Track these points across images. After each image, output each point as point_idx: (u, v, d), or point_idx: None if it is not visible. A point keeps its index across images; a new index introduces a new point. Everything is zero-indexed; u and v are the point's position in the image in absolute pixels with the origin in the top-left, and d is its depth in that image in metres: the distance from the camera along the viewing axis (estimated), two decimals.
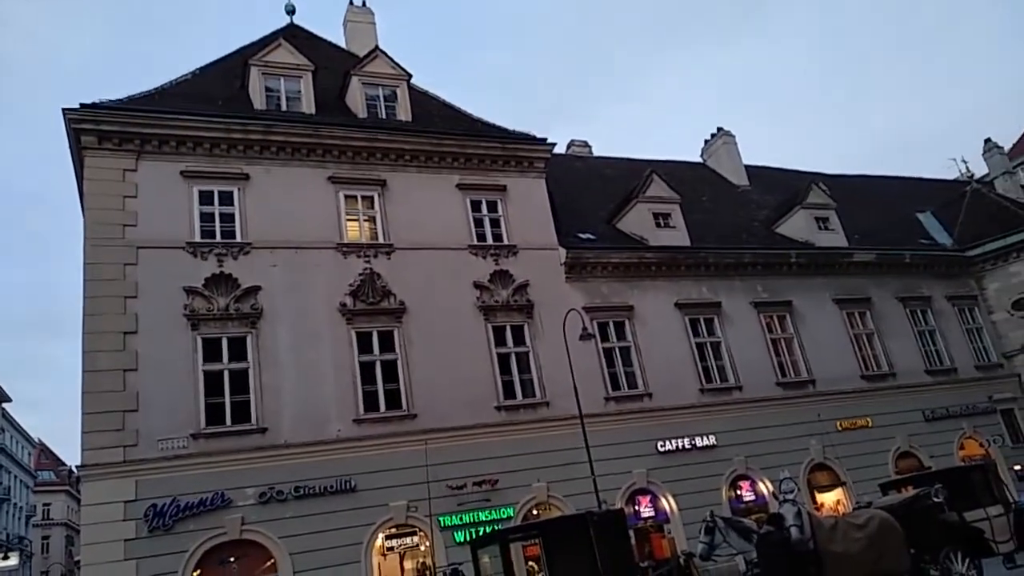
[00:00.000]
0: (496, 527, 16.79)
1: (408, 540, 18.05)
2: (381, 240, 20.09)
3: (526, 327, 20.90)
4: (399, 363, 19.05)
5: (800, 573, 9.00)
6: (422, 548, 17.91)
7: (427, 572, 17.64)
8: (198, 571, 15.92)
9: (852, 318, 26.13)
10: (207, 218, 18.54)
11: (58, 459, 75.66)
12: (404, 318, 19.48)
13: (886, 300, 27.09)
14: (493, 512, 18.18)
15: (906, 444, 24.59)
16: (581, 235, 23.51)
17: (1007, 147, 41.93)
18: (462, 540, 17.32)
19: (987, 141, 37.42)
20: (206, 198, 18.68)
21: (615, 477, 19.62)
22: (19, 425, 66.55)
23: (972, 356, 27.93)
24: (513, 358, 20.53)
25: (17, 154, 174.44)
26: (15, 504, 62.30)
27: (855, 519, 10.32)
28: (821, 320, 25.45)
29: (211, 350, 17.47)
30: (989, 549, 12.33)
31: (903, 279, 27.88)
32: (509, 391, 20.08)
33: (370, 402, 18.46)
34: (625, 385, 21.69)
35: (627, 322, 22.46)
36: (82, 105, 17.97)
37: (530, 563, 8.76)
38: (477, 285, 20.68)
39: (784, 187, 30.16)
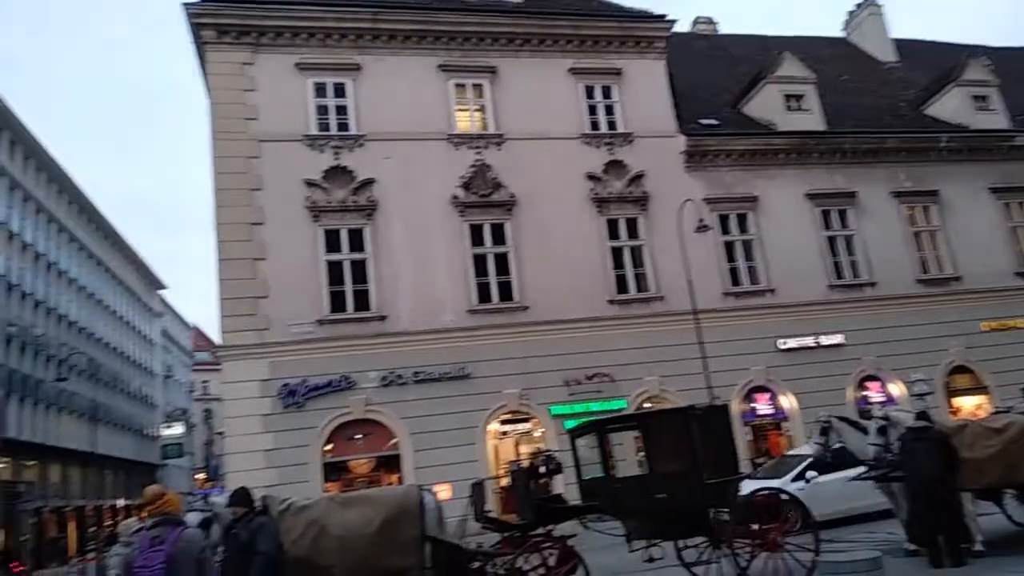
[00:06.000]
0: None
1: (521, 426, 18.62)
2: (491, 130, 19.74)
3: (641, 220, 20.23)
4: (510, 255, 19.06)
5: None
6: (536, 434, 18.43)
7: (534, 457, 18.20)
8: (330, 444, 17.17)
9: (1010, 209, 23.53)
10: (322, 111, 18.79)
11: (211, 341, 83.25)
12: (515, 210, 19.31)
13: None
14: (604, 403, 18.31)
15: None
16: (703, 121, 22.11)
17: None
18: (569, 429, 17.61)
19: None
20: (320, 90, 18.87)
21: (732, 373, 19.15)
22: (176, 311, 73.44)
23: None
24: (627, 252, 20.04)
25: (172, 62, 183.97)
26: (178, 381, 69.69)
27: (991, 423, 9.51)
28: (972, 211, 23.07)
29: (332, 241, 18.10)
30: None
31: None
32: (622, 285, 19.73)
33: (483, 293, 18.71)
34: (746, 280, 20.80)
35: (750, 214, 21.27)
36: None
37: (640, 453, 8.70)
38: (590, 176, 20.07)
39: (937, 63, 26.88)
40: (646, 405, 18.60)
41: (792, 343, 20.29)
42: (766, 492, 8.94)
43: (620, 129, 20.67)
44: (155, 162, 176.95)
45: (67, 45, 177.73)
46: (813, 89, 22.91)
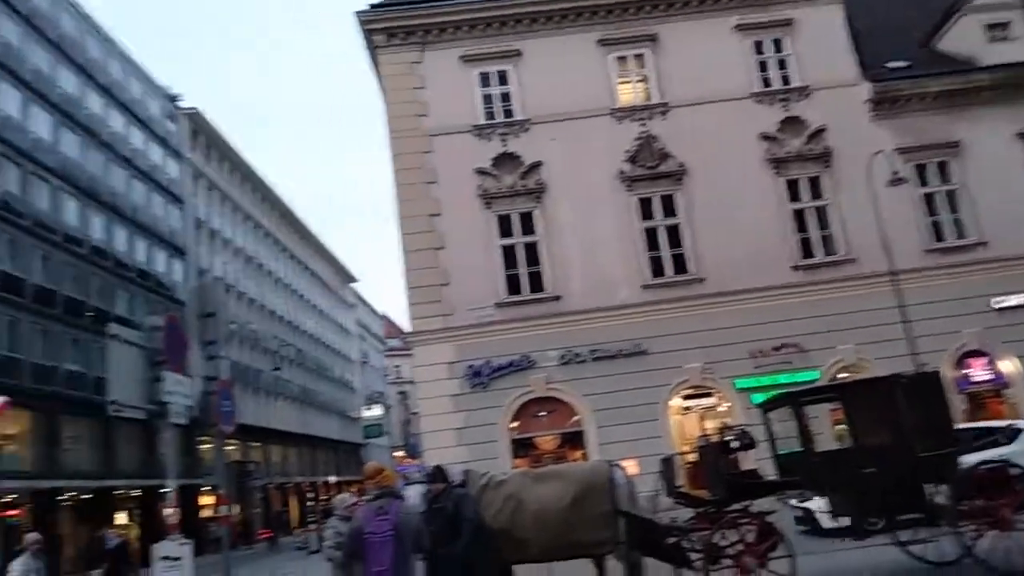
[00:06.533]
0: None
1: (705, 401, 18.20)
2: (655, 100, 19.28)
3: (824, 178, 18.92)
4: (682, 227, 18.58)
5: None
6: (720, 409, 17.94)
7: (724, 432, 17.70)
8: (516, 422, 17.78)
9: None
10: (488, 100, 19.29)
11: (400, 328, 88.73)
12: (685, 180, 18.77)
13: None
14: (794, 375, 17.42)
15: None
16: (890, 64, 20.16)
17: None
18: (760, 402, 16.96)
19: None
20: (485, 80, 19.36)
21: (939, 338, 17.44)
22: (367, 301, 78.99)
23: None
24: (810, 213, 18.84)
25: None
26: (373, 366, 75.07)
27: None
28: None
29: (504, 225, 18.61)
30: None
31: None
32: (807, 249, 18.61)
33: (656, 268, 18.42)
34: (951, 234, 18.85)
35: (952, 161, 19.20)
36: (371, 6, 19.44)
37: (838, 427, 8.23)
38: (764, 136, 19.04)
39: None
40: (841, 375, 17.46)
41: (1012, 300, 18.13)
42: (992, 464, 8.07)
43: (795, 83, 19.39)
44: (330, 162, 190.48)
45: (251, 57, 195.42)
46: (1021, 15, 20.12)
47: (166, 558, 6.75)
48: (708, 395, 18.18)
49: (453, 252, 18.32)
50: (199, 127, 42.48)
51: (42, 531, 12.58)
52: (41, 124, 29.60)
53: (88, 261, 31.11)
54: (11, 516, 25.40)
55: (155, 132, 38.48)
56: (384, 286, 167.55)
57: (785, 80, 19.49)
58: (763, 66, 19.60)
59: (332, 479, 56.18)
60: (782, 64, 19.62)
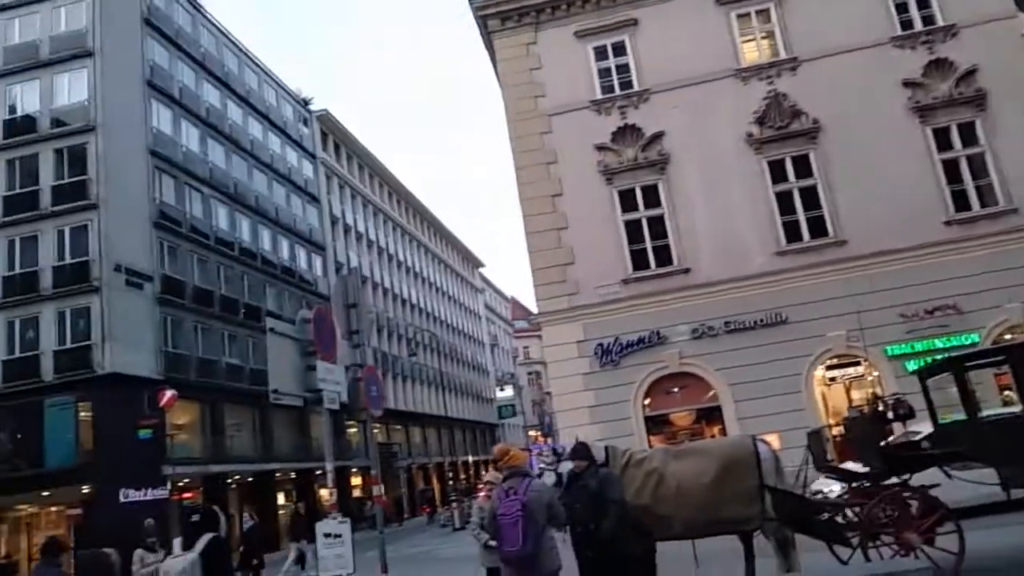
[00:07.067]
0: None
1: (851, 370, 17.24)
2: (782, 56, 18.28)
3: (978, 123, 17.28)
4: (819, 188, 17.58)
5: None
6: (868, 378, 16.94)
7: (877, 402, 16.70)
8: (648, 399, 17.59)
9: None
10: (604, 73, 19.00)
11: (527, 310, 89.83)
12: (819, 138, 17.71)
13: None
14: (952, 339, 16.14)
15: None
16: None
17: None
18: (913, 369, 15.85)
19: None
20: (600, 53, 19.07)
21: None
22: (494, 285, 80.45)
23: None
24: (963, 163, 17.30)
25: None
26: (503, 348, 76.49)
27: None
28: None
29: (627, 200, 18.33)
30: None
31: None
32: (961, 202, 17.11)
33: (792, 233, 17.55)
34: None
35: None
36: None
37: (1005, 392, 7.54)
38: (907, 83, 17.61)
39: None
40: (1006, 337, 16.00)
41: None
42: None
43: (939, 23, 17.79)
44: (448, 149, 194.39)
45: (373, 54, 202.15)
46: None
47: (327, 535, 7.20)
48: (855, 364, 17.19)
49: (576, 231, 18.26)
50: (328, 127, 44.62)
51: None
52: (191, 137, 32.10)
53: (238, 262, 33.53)
54: (187, 499, 28.03)
55: (290, 136, 40.78)
56: (509, 269, 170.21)
57: (927, 20, 17.91)
58: (902, 7, 18.08)
59: (470, 459, 57.96)
60: (923, 2, 18.04)
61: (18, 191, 27.02)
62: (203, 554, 4.90)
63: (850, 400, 17.12)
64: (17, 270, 26.39)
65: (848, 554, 7.23)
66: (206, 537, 5.03)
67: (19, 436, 25.34)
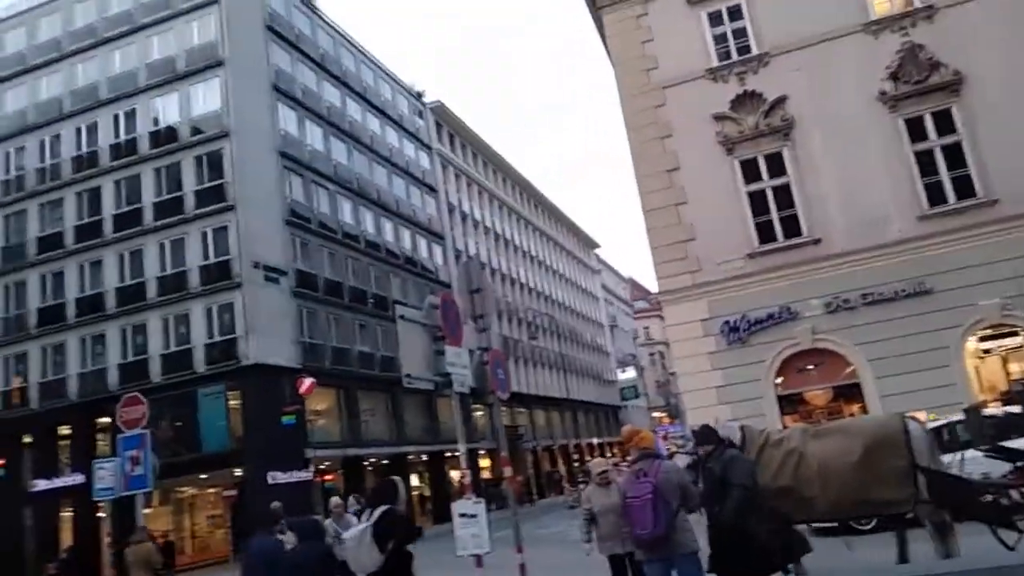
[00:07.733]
0: None
1: (1008, 341, 15.83)
2: (917, 4, 16.88)
3: None
4: (964, 144, 16.17)
5: None
6: None
7: None
8: (780, 378, 16.89)
9: None
10: (720, 40, 18.25)
11: (645, 289, 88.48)
12: (962, 90, 16.25)
13: None
14: None
15: None
16: None
17: None
18: None
19: None
20: (715, 19, 18.33)
21: None
22: (611, 265, 79.70)
23: None
24: None
25: None
26: (622, 329, 75.76)
27: None
28: None
29: (749, 171, 17.57)
30: None
31: None
32: None
33: (935, 195, 16.26)
34: None
35: None
36: None
37: None
38: None
39: None
40: None
41: None
42: None
43: None
44: (559, 129, 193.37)
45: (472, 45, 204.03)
46: None
47: (463, 515, 7.39)
48: (1012, 334, 15.76)
49: (696, 205, 17.70)
50: (442, 118, 45.57)
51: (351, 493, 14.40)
52: (315, 137, 33.67)
53: (364, 254, 34.98)
54: (327, 480, 29.66)
55: (407, 129, 41.97)
56: (625, 250, 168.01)
57: None
58: None
59: (595, 441, 57.96)
60: None
61: (166, 197, 29.34)
62: (375, 524, 5.13)
63: (1007, 374, 15.76)
64: (168, 271, 28.72)
65: (1014, 538, 6.66)
66: (380, 509, 5.26)
67: (178, 424, 27.64)
